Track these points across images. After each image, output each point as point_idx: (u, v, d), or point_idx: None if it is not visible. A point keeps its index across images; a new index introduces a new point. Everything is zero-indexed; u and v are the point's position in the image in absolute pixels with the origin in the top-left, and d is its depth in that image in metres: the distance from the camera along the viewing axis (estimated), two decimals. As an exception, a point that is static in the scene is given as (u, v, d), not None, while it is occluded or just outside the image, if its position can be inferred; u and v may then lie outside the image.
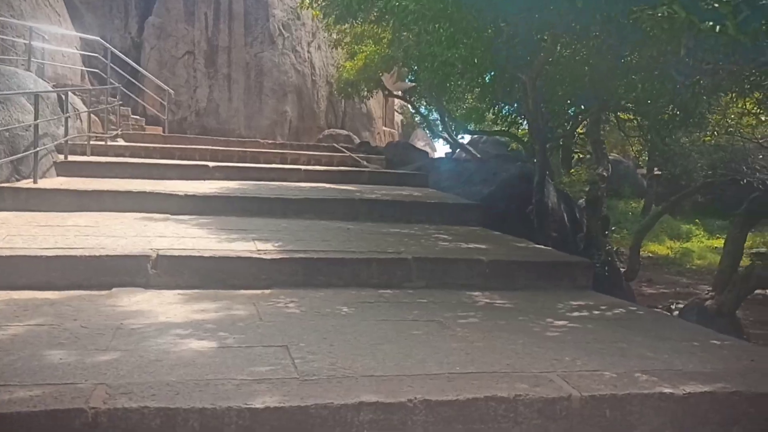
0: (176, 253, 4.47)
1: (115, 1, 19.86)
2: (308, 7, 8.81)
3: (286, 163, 11.27)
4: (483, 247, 5.48)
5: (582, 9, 3.92)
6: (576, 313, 3.95)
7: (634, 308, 4.29)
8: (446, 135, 19.54)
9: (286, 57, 20.74)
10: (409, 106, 26.16)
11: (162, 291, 4.17)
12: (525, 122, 16.87)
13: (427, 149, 32.64)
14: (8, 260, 4.10)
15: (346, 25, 9.46)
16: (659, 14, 3.31)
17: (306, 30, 21.33)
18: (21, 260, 4.12)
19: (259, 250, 4.73)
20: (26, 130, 7.69)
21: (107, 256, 4.28)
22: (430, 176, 11.77)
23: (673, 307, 8.14)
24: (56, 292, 3.92)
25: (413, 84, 16.23)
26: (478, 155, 18.49)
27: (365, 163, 11.44)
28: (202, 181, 8.43)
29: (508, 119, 17.57)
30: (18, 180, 7.48)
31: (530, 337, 3.32)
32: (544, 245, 7.64)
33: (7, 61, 13.53)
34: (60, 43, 16.60)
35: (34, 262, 4.14)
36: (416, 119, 35.83)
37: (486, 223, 7.26)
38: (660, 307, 8.15)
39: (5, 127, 7.40)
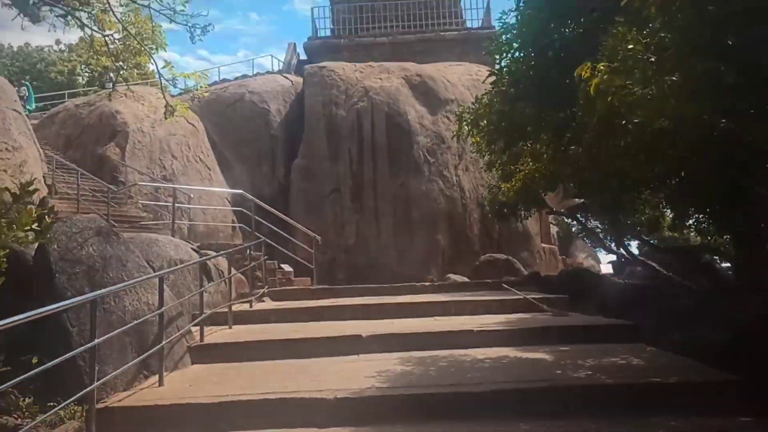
0: None
1: (263, 149, 20.03)
2: (467, 136, 7.40)
3: (450, 313, 9.58)
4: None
5: None
6: None
7: None
8: (621, 250, 17.17)
9: (434, 183, 19.66)
10: (565, 218, 24.03)
11: None
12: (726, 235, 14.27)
13: (590, 260, 29.96)
14: None
15: (514, 148, 7.89)
16: None
17: (452, 153, 20.28)
18: None
19: None
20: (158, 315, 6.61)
21: None
22: (629, 314, 9.56)
23: None
24: None
25: (582, 201, 14.28)
26: (668, 273, 15.76)
27: (545, 307, 9.48)
28: (356, 358, 6.91)
29: (703, 229, 15.05)
30: (146, 377, 6.34)
31: None
32: None
33: (155, 227, 13.35)
34: (210, 198, 16.56)
35: None
36: (573, 229, 33.28)
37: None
38: None
39: (135, 319, 6.37)
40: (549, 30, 5.43)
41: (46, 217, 4.79)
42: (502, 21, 6.60)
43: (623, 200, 12.79)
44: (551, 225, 26.31)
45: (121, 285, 5.55)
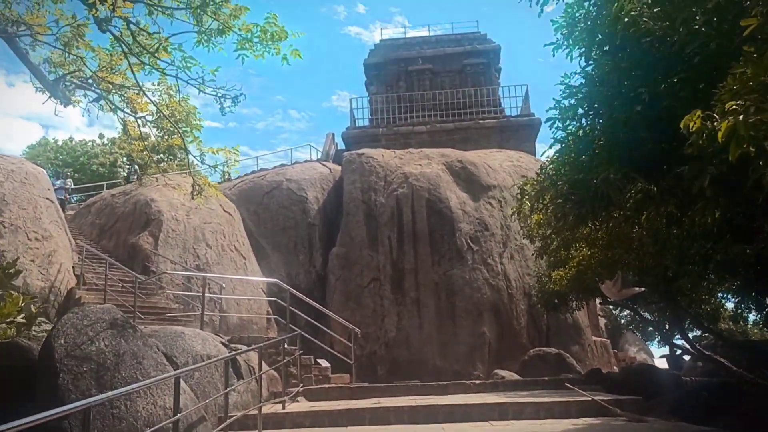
0: None
1: (300, 237, 19.45)
2: (529, 214, 6.57)
3: (507, 417, 8.42)
4: None
5: None
6: None
7: None
8: (684, 343, 15.83)
9: (478, 272, 18.67)
10: (612, 308, 22.69)
11: None
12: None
13: (642, 354, 28.15)
14: None
15: (586, 229, 6.97)
16: None
17: (496, 240, 19.39)
18: None
19: None
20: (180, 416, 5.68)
21: None
22: (713, 419, 8.33)
23: None
24: None
25: (643, 289, 13.12)
26: (738, 369, 14.30)
27: (618, 411, 8.26)
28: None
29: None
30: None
31: None
32: None
33: (185, 318, 12.59)
34: (245, 288, 15.83)
35: None
36: (623, 321, 31.51)
37: None
38: None
39: (148, 426, 5.47)
40: (632, 83, 4.66)
41: (33, 306, 4.02)
42: (565, 83, 5.89)
43: (692, 288, 11.72)
44: (598, 316, 24.92)
45: (128, 388, 4.68)
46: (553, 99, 5.75)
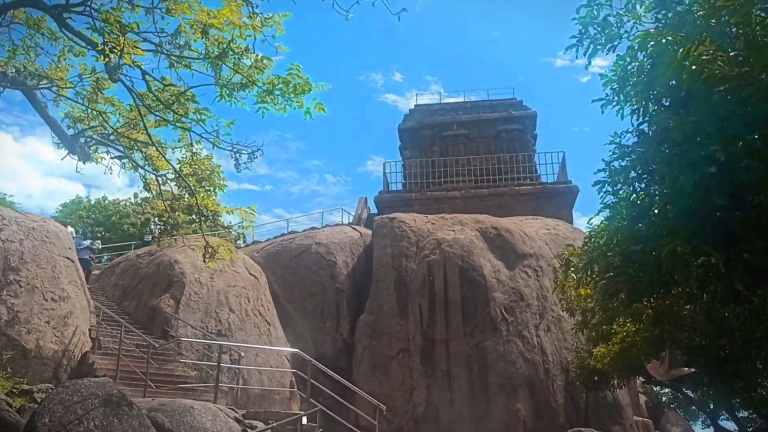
0: None
1: (327, 303, 18.80)
2: (575, 288, 5.86)
3: None
4: None
5: None
6: None
7: None
8: (734, 424, 14.77)
9: (512, 344, 17.69)
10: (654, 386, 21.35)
11: None
12: None
13: (687, 435, 26.39)
14: None
15: (643, 303, 6.21)
16: None
17: (532, 311, 18.45)
18: None
19: None
20: None
21: None
22: None
23: None
24: None
25: (693, 370, 12.11)
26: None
27: None
28: None
29: None
30: None
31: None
32: None
33: (202, 388, 11.89)
34: (268, 356, 15.12)
35: None
36: (664, 398, 29.88)
37: None
38: None
39: None
40: (703, 141, 4.00)
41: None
42: (616, 143, 5.28)
43: (751, 373, 10.78)
44: (638, 392, 23.52)
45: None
46: (603, 160, 5.14)
